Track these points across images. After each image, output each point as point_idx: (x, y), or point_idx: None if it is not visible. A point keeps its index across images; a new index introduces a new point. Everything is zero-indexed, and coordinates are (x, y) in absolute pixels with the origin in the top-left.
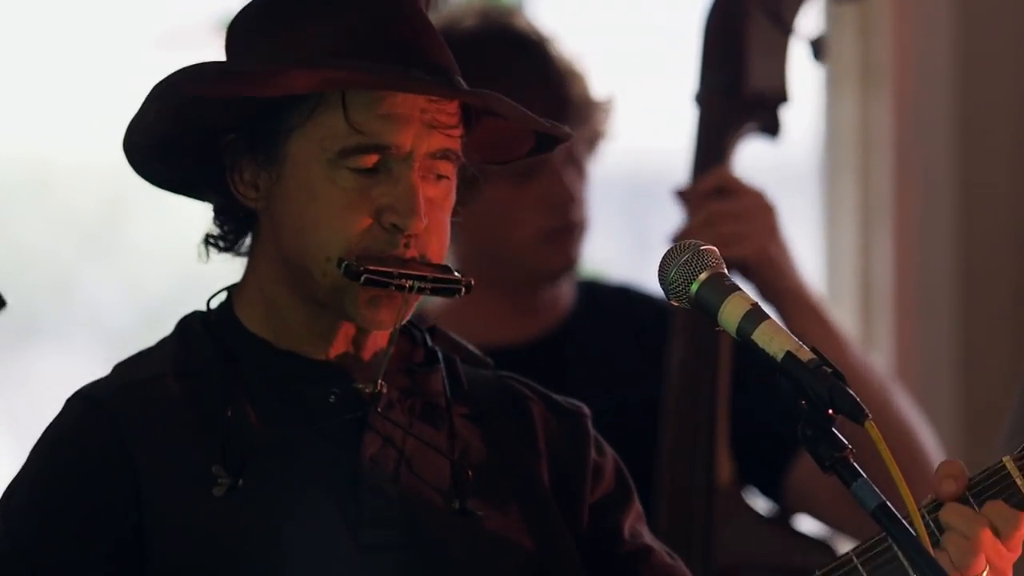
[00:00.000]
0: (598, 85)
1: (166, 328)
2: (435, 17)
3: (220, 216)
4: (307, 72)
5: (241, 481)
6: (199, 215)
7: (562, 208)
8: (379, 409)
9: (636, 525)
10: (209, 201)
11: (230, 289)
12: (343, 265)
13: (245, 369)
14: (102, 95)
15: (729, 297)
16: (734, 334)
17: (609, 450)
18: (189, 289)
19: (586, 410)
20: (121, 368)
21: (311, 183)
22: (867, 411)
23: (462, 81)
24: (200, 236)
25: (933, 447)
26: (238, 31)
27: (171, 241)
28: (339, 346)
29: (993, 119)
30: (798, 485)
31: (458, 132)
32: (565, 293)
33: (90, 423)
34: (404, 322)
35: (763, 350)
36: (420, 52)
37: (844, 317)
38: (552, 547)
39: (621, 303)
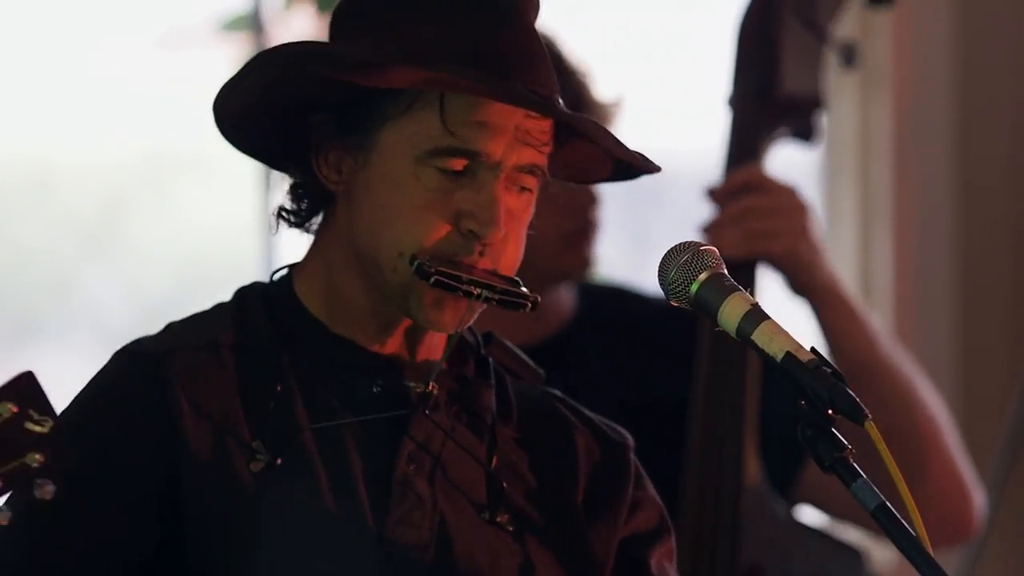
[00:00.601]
0: (604, 87)
1: None
2: None
3: (296, 192)
4: (418, 69)
5: (280, 460)
6: (199, 216)
7: (582, 210)
8: (427, 411)
9: (664, 562)
10: (288, 174)
11: (292, 267)
12: (415, 263)
13: (298, 349)
14: (102, 95)
15: (729, 297)
16: (734, 334)
17: (648, 484)
18: (189, 289)
19: (630, 441)
20: (175, 329)
21: (396, 176)
22: (866, 411)
23: (561, 102)
24: (200, 236)
25: (957, 443)
26: (345, 16)
27: (171, 241)
28: (395, 341)
29: (992, 120)
30: (812, 480)
31: (547, 149)
32: (567, 296)
33: (138, 379)
34: (465, 328)
35: (763, 350)
36: (526, 67)
37: None
38: (579, 574)
39: (616, 305)
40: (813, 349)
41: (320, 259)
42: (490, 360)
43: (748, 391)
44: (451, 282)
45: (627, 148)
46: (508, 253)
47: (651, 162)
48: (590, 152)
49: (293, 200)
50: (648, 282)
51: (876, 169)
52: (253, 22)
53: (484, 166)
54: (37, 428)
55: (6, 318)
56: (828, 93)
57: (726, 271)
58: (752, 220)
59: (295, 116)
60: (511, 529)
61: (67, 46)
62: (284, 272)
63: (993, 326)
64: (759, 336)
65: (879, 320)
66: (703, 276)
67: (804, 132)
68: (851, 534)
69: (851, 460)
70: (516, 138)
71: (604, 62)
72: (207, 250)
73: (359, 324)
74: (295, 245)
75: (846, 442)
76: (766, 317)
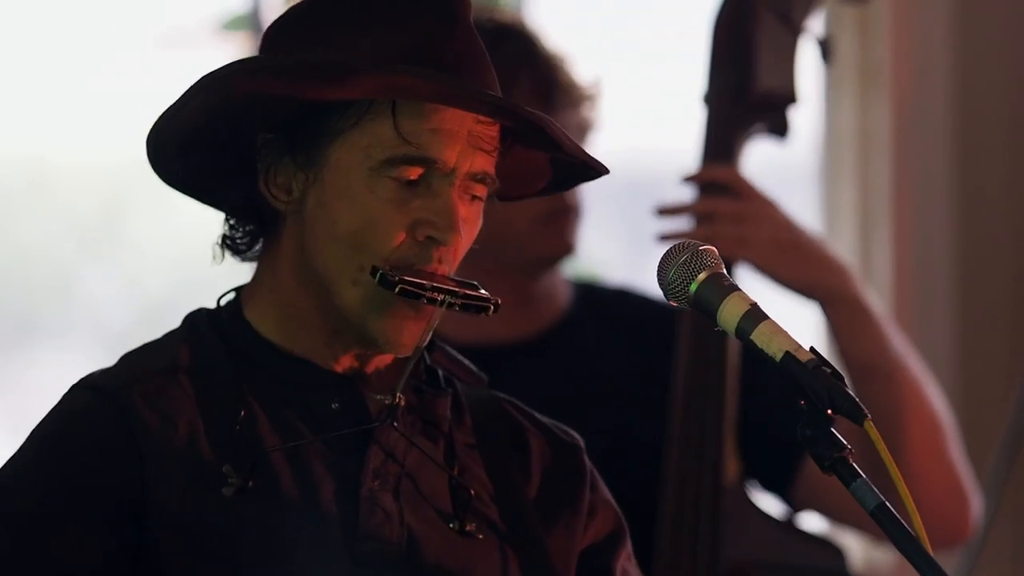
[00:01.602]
0: (596, 83)
1: (166, 328)
2: None
3: (238, 218)
4: (378, 76)
5: (251, 483)
6: (198, 216)
7: None
8: (395, 423)
9: (626, 565)
10: (222, 202)
11: (239, 290)
12: (378, 274)
13: (253, 371)
14: (102, 95)
15: (728, 297)
16: (733, 334)
17: (602, 486)
18: (189, 289)
19: (581, 442)
20: (130, 359)
21: (351, 190)
22: (866, 411)
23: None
24: (200, 236)
25: (958, 446)
26: (281, 32)
27: (171, 241)
28: (349, 357)
29: (991, 120)
30: (810, 483)
31: (496, 155)
32: (561, 292)
33: (97, 414)
34: (426, 341)
35: (762, 350)
36: (476, 69)
37: None
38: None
39: (620, 305)
40: (812, 349)
41: (269, 282)
42: (438, 369)
43: (728, 389)
44: (416, 289)
45: (582, 150)
46: (457, 261)
47: (599, 162)
48: (530, 160)
49: (236, 227)
50: (645, 283)
51: (876, 169)
52: (253, 22)
53: (439, 174)
54: None
55: (6, 318)
56: (802, 89)
57: (725, 271)
58: (721, 222)
59: (237, 140)
60: (480, 537)
61: (67, 46)
62: (231, 296)
63: (993, 326)
64: (758, 336)
65: None
66: (702, 276)
67: (779, 128)
68: (848, 539)
69: (851, 460)
70: (469, 144)
71: (601, 62)
72: (207, 250)
73: (314, 344)
74: None
75: (845, 442)
76: (765, 317)
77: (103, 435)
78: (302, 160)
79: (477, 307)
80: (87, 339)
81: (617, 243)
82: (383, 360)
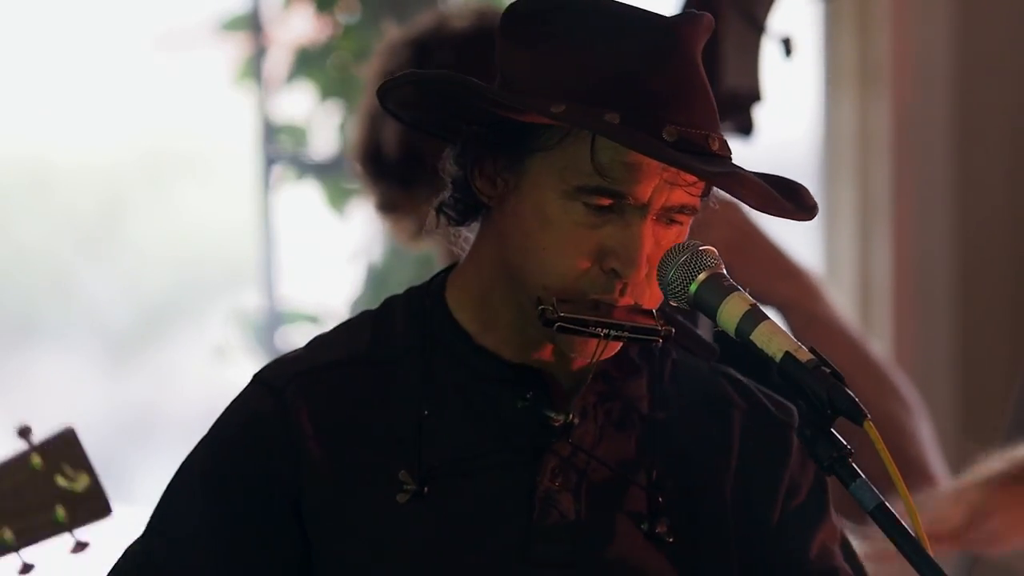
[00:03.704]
0: None
1: (166, 328)
2: (430, 16)
3: (456, 192)
4: (555, 121)
5: (427, 489)
6: (198, 216)
7: None
8: (569, 440)
9: (827, 544)
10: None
11: (447, 271)
12: (539, 309)
13: (438, 361)
14: (102, 95)
15: (728, 297)
16: (733, 334)
17: (810, 464)
18: (188, 289)
19: (795, 419)
20: (313, 346)
21: (545, 208)
22: (866, 411)
23: (717, 140)
24: (200, 236)
25: (935, 452)
26: (511, 23)
27: (171, 241)
28: (543, 354)
29: (991, 119)
30: None
31: (700, 188)
32: None
33: (260, 411)
34: (602, 359)
35: (762, 350)
36: (680, 106)
37: None
38: (724, 571)
39: None
40: (812, 349)
41: (474, 267)
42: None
43: None
44: (575, 327)
45: (776, 198)
46: (653, 288)
47: (805, 212)
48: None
49: (452, 198)
50: None
51: (875, 168)
52: (252, 22)
53: (631, 206)
54: (66, 484)
55: (6, 318)
56: (766, 86)
57: (725, 271)
58: None
59: (457, 124)
60: (670, 541)
61: (66, 46)
62: (440, 277)
63: (992, 325)
64: (758, 336)
65: (877, 319)
66: (702, 276)
67: (744, 127)
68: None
69: (850, 460)
70: (665, 180)
71: None
72: (206, 250)
73: (505, 337)
74: (294, 247)
75: (845, 442)
76: (765, 317)
77: (263, 440)
78: (504, 162)
79: (644, 339)
80: (87, 339)
81: None
82: (579, 363)
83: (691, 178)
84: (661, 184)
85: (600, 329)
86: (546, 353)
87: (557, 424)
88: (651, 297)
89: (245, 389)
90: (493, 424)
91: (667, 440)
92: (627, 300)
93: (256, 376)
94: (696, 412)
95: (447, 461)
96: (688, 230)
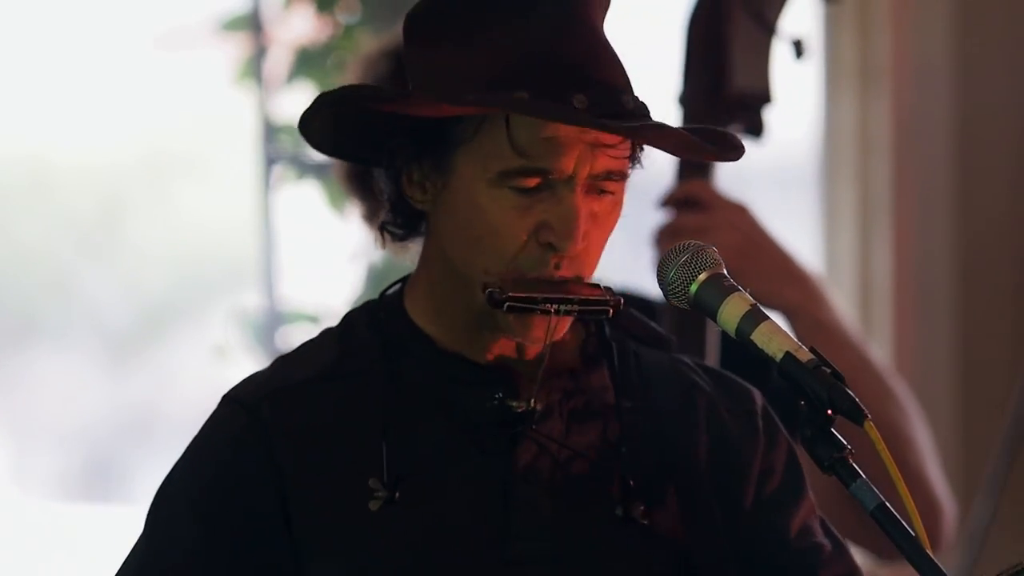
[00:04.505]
0: None
1: (166, 328)
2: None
3: (393, 208)
4: (469, 105)
5: (398, 495)
6: (198, 216)
7: None
8: (533, 426)
9: (807, 522)
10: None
11: (404, 281)
12: (487, 292)
13: (405, 368)
14: (102, 95)
15: (728, 297)
16: (733, 334)
17: (783, 440)
18: (188, 289)
19: (758, 401)
20: (279, 365)
21: (475, 200)
22: (866, 412)
23: (631, 99)
24: (200, 236)
25: (931, 456)
26: (414, 24)
27: (171, 241)
28: (502, 350)
29: (991, 119)
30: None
31: (625, 151)
32: None
33: (239, 430)
34: (556, 339)
35: (762, 350)
36: (590, 73)
37: None
38: (711, 551)
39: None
40: (812, 349)
41: (425, 272)
42: (612, 342)
43: None
44: (525, 305)
45: (700, 146)
46: (591, 259)
47: (731, 152)
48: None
49: (391, 216)
50: (641, 282)
51: (875, 168)
52: (252, 22)
53: (558, 181)
54: None
55: (5, 318)
56: (776, 88)
57: (725, 271)
58: (684, 237)
59: (379, 144)
60: (645, 523)
61: (66, 46)
62: (397, 287)
63: (993, 326)
64: (758, 336)
65: (878, 320)
66: (702, 276)
67: (754, 128)
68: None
69: (850, 460)
70: (587, 146)
71: None
72: (206, 250)
73: (464, 339)
74: (294, 246)
75: (845, 442)
76: (765, 317)
77: (243, 456)
78: (429, 166)
79: (595, 311)
80: (87, 339)
81: (612, 242)
82: (534, 349)
83: (612, 140)
84: (584, 152)
85: (550, 305)
86: (506, 348)
87: (520, 411)
88: (590, 268)
89: (217, 410)
90: (463, 425)
91: (634, 425)
92: (565, 274)
93: (227, 396)
94: (661, 398)
95: (417, 465)
96: (623, 199)
